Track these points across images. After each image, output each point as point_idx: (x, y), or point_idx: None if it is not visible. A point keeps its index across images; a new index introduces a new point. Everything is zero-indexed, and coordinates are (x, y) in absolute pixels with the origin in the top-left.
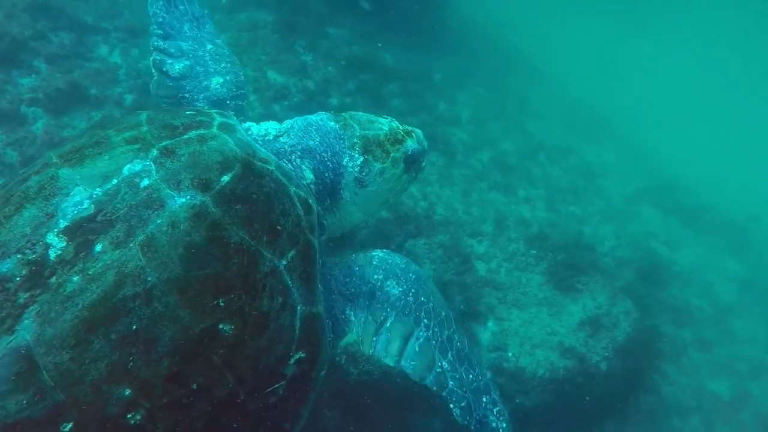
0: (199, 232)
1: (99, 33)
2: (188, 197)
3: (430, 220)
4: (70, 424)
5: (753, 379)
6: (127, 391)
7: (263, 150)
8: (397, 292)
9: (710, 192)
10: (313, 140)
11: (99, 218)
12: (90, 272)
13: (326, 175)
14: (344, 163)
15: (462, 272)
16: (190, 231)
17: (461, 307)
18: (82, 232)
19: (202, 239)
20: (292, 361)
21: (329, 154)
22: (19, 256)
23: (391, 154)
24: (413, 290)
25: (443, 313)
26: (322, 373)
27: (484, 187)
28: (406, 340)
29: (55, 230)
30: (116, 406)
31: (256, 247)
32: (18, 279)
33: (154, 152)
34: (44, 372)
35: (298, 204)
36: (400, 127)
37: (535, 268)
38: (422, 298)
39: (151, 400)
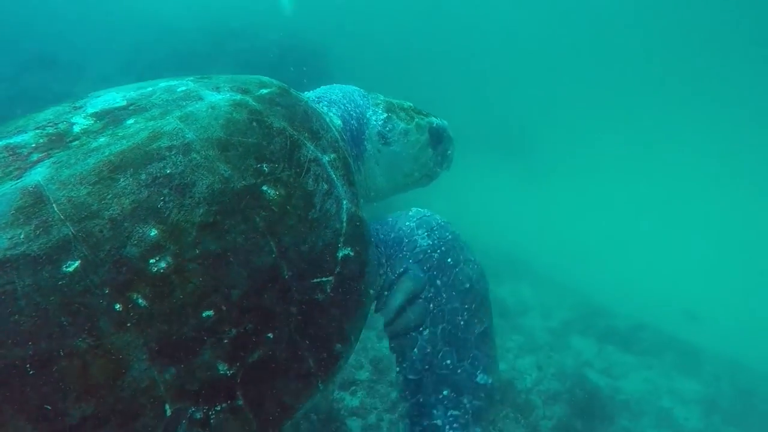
0: (241, 114)
1: None
2: (228, 95)
3: None
4: (77, 263)
5: None
6: (153, 232)
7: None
8: (425, 244)
9: (643, 311)
10: (335, 95)
11: (131, 107)
12: (120, 133)
13: (351, 123)
14: (368, 115)
15: None
16: (232, 111)
17: None
18: (113, 115)
19: (244, 118)
20: (341, 255)
21: (352, 105)
22: (37, 131)
23: (416, 119)
24: (442, 248)
25: (467, 285)
26: (371, 291)
27: (372, 336)
28: (410, 300)
29: (82, 114)
30: (138, 246)
31: (298, 137)
32: (33, 145)
33: (191, 78)
34: (54, 205)
35: (333, 129)
36: (424, 110)
37: None
38: (449, 260)
39: (181, 246)
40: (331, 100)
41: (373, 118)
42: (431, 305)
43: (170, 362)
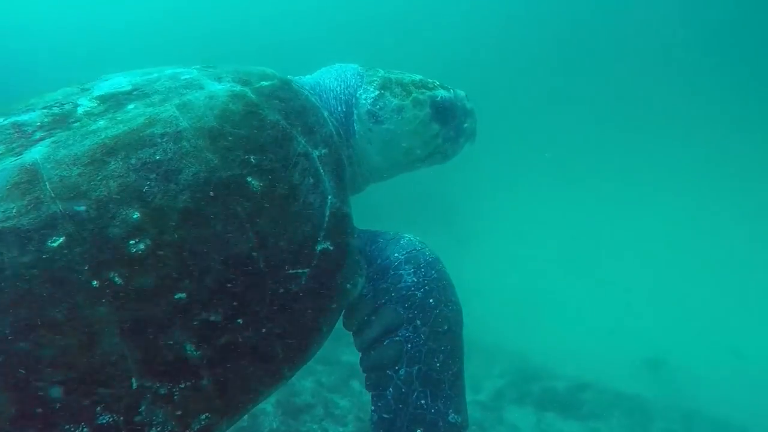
0: (237, 105)
1: None
2: (229, 85)
3: None
4: (62, 239)
5: None
6: (136, 215)
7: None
8: (409, 281)
9: (581, 368)
10: (329, 78)
11: (135, 93)
12: (119, 118)
13: (339, 109)
14: (358, 95)
15: None
16: (228, 102)
17: None
18: (116, 99)
19: (239, 110)
20: (319, 248)
21: (342, 87)
22: (44, 110)
23: (413, 95)
24: (426, 288)
25: (445, 327)
26: (348, 286)
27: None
28: (386, 333)
29: (88, 97)
30: (120, 227)
31: (290, 130)
32: (38, 124)
33: (197, 66)
34: (47, 183)
35: (330, 125)
36: (438, 82)
37: None
38: (431, 300)
39: (161, 230)
40: (325, 88)
41: (363, 96)
42: (409, 345)
43: (140, 339)
